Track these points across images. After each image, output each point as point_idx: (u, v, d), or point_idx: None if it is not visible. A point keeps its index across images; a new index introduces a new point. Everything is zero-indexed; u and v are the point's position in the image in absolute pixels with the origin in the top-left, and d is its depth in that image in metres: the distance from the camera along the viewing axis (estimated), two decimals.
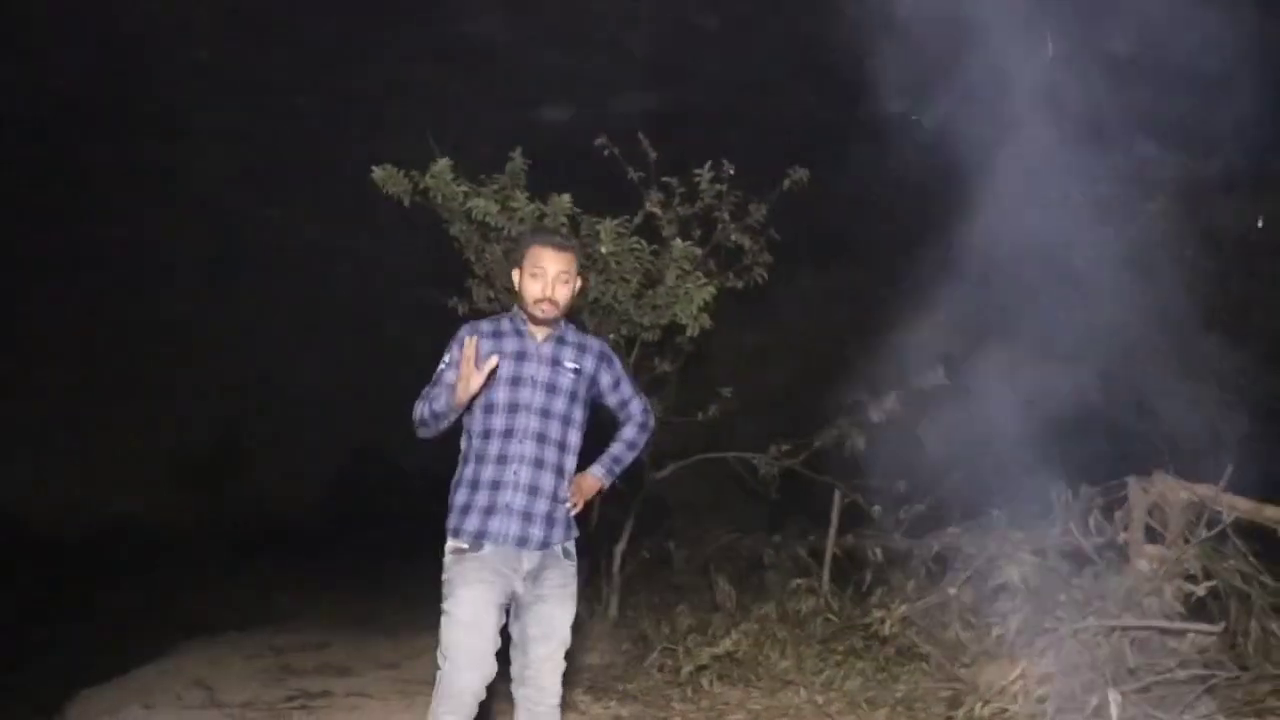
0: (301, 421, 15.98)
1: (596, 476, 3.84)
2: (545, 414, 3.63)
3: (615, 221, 6.67)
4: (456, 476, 3.72)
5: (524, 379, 3.64)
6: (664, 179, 6.85)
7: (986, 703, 4.60)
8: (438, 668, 3.49)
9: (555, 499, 3.61)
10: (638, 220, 6.81)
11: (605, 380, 3.82)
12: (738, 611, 7.08)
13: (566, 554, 3.66)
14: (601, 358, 3.82)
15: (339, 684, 6.72)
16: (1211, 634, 4.81)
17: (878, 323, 8.32)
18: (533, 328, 3.70)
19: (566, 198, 6.66)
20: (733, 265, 7.20)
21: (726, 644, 6.21)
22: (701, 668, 6.01)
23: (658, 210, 6.83)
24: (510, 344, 3.67)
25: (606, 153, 6.90)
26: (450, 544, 3.59)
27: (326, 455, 16.24)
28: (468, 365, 3.43)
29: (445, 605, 3.49)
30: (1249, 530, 5.31)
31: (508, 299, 7.12)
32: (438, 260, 7.67)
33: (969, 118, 5.80)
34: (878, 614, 5.95)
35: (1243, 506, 5.30)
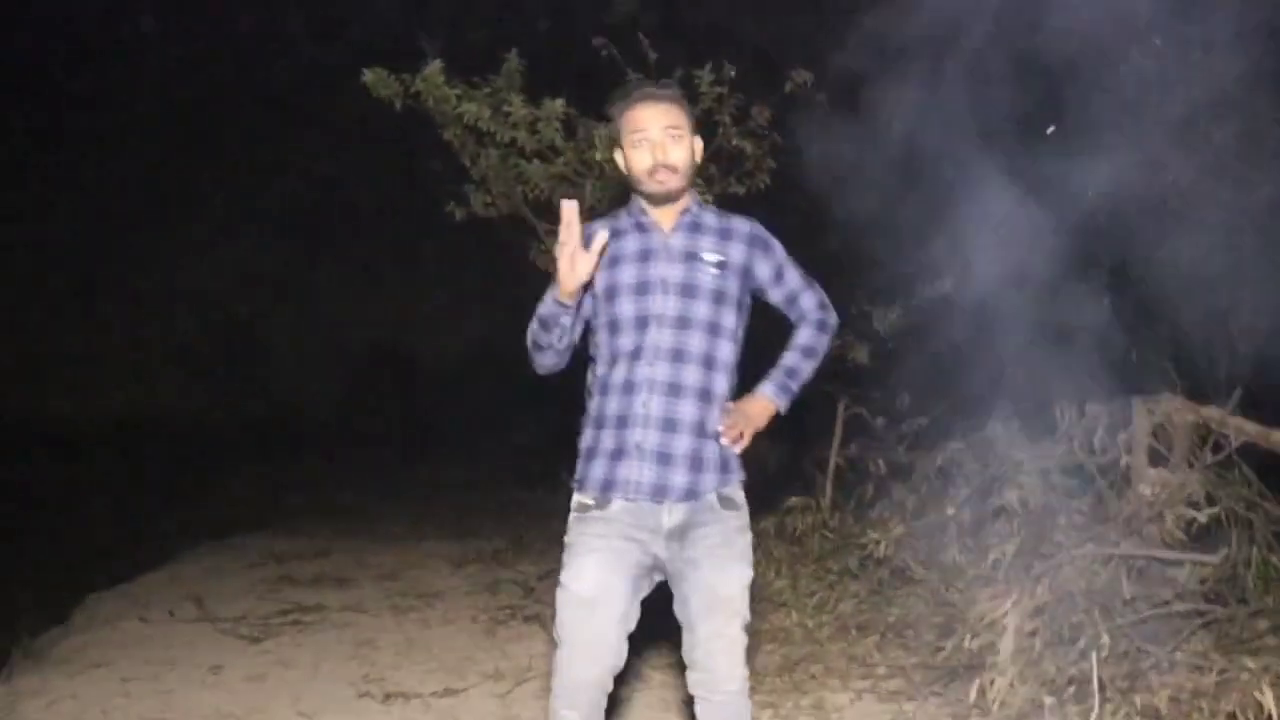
0: (319, 319, 15.91)
1: (768, 398, 3.01)
2: (682, 324, 2.87)
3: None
4: (582, 417, 3.04)
5: (652, 283, 2.90)
6: (663, 80, 6.57)
7: (976, 636, 4.49)
8: (555, 645, 2.91)
9: (702, 433, 2.87)
10: None
11: (763, 271, 3.02)
12: None
13: (725, 502, 2.89)
14: (753, 242, 3.01)
15: (335, 597, 6.73)
16: (1211, 564, 4.67)
17: (883, 231, 8.09)
18: (656, 216, 2.96)
19: (560, 102, 6.43)
20: (734, 171, 6.96)
21: None
22: None
23: None
24: (631, 243, 2.96)
25: (605, 53, 6.63)
26: (575, 499, 2.92)
27: (343, 354, 16.18)
28: (569, 239, 2.75)
29: (561, 576, 2.87)
30: (1256, 455, 5.14)
31: (505, 204, 6.95)
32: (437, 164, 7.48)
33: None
34: (874, 535, 5.85)
35: (1250, 430, 5.12)
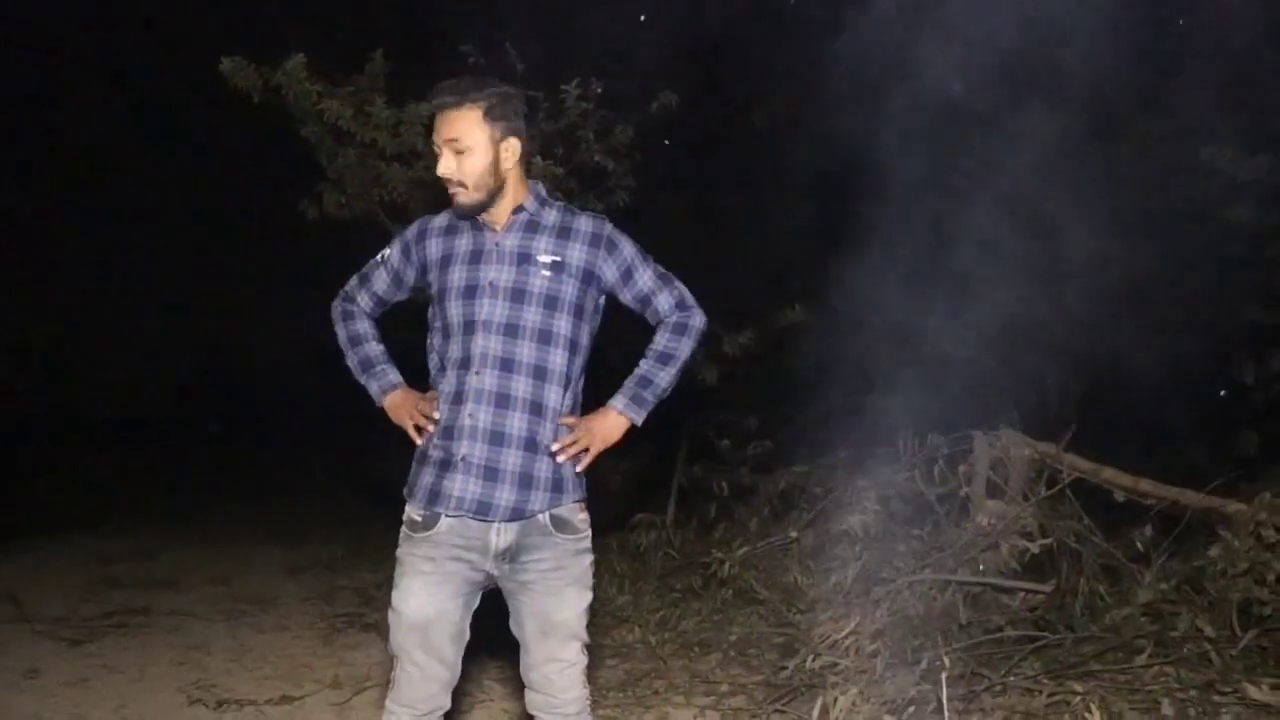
0: (155, 315, 15.20)
1: (618, 411, 2.81)
2: (512, 331, 2.70)
3: None
4: None
5: (480, 286, 2.73)
6: (529, 93, 6.50)
7: (818, 656, 4.55)
8: (394, 656, 2.79)
9: (532, 449, 2.70)
10: None
11: (609, 272, 2.81)
12: None
13: (559, 524, 2.72)
14: (595, 241, 2.80)
15: (163, 599, 6.43)
16: (1042, 592, 4.84)
17: (742, 252, 8.21)
18: (490, 216, 2.78)
19: (424, 106, 6.30)
20: (595, 187, 6.94)
21: None
22: None
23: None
24: (464, 241, 2.80)
25: (472, 60, 6.54)
26: (405, 511, 2.79)
27: (179, 352, 15.49)
28: (409, 416, 2.82)
29: (392, 596, 2.75)
30: (1086, 490, 5.36)
31: (359, 205, 6.77)
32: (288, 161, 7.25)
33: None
34: (718, 555, 5.88)
35: (1083, 466, 5.36)
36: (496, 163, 2.71)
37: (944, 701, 3.96)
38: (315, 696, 4.64)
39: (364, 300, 3.03)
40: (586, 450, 2.77)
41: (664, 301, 2.87)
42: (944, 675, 4.08)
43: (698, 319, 2.90)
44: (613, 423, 2.81)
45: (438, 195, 6.60)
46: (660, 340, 2.88)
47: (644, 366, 2.87)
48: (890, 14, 5.57)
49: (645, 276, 2.86)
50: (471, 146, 2.67)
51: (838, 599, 5.30)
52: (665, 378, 2.86)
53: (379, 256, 2.98)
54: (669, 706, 4.52)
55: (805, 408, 7.40)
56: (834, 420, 7.38)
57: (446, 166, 2.69)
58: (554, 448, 2.72)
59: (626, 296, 2.87)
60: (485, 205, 2.75)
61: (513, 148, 2.74)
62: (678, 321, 2.88)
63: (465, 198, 2.72)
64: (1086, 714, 3.70)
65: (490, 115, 2.69)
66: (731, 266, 8.08)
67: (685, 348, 2.88)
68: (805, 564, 5.79)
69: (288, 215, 7.09)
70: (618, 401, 2.83)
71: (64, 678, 4.84)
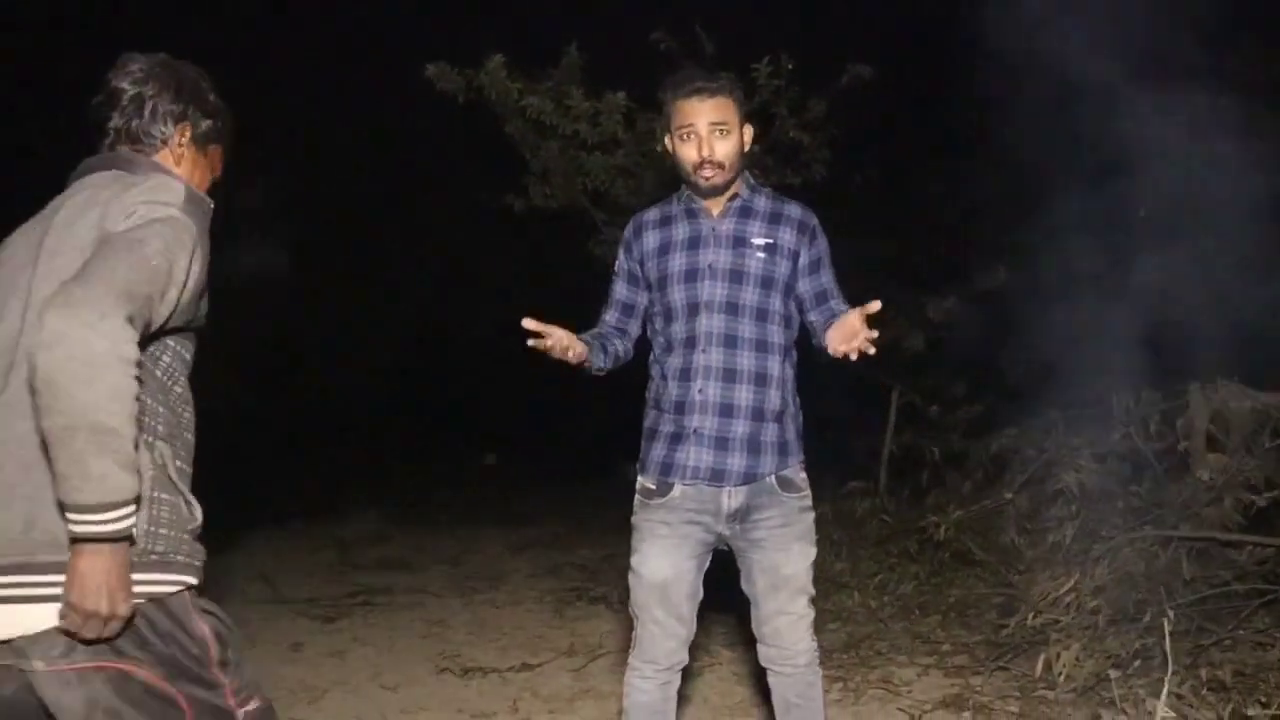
0: (365, 311, 15.90)
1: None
2: (733, 310, 2.91)
3: None
4: (646, 397, 3.12)
5: (701, 270, 2.95)
6: (716, 73, 6.65)
7: (1039, 614, 4.61)
8: (630, 621, 3.04)
9: (759, 417, 2.90)
10: None
11: (804, 258, 2.99)
12: None
13: (785, 484, 2.93)
14: (803, 229, 2.99)
15: (401, 580, 6.92)
16: (1270, 546, 4.76)
17: (941, 220, 8.20)
18: (706, 203, 3.00)
19: (622, 95, 6.56)
20: (791, 162, 7.06)
21: None
22: None
23: None
24: (681, 229, 3.02)
25: (663, 47, 6.74)
26: (638, 482, 3.01)
27: (387, 343, 16.16)
28: (552, 345, 2.83)
29: (631, 560, 2.97)
30: None
31: (564, 195, 7.09)
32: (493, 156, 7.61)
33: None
34: (934, 519, 5.97)
35: None
36: (742, 145, 2.95)
37: (1169, 655, 3.98)
38: (553, 664, 4.98)
39: (611, 316, 3.16)
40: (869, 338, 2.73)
41: (841, 306, 2.97)
42: (1168, 629, 4.11)
43: None
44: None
45: (639, 182, 6.87)
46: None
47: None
48: None
49: (829, 276, 3.03)
50: (731, 129, 2.89)
51: (1057, 558, 5.33)
52: None
53: (615, 269, 3.17)
54: (893, 666, 4.67)
55: (1012, 371, 7.35)
56: (1043, 382, 7.32)
57: (712, 148, 2.88)
58: (775, 413, 2.89)
59: (805, 286, 3.00)
60: (730, 185, 2.97)
61: (750, 133, 2.99)
62: None
63: (721, 178, 2.92)
64: None
65: (739, 102, 2.94)
66: (930, 234, 8.09)
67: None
68: (1022, 525, 5.82)
69: (492, 210, 7.45)
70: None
71: (323, 650, 5.34)
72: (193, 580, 1.98)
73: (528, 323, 2.78)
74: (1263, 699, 3.66)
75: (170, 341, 2.01)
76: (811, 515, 3.00)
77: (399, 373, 15.78)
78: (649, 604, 2.95)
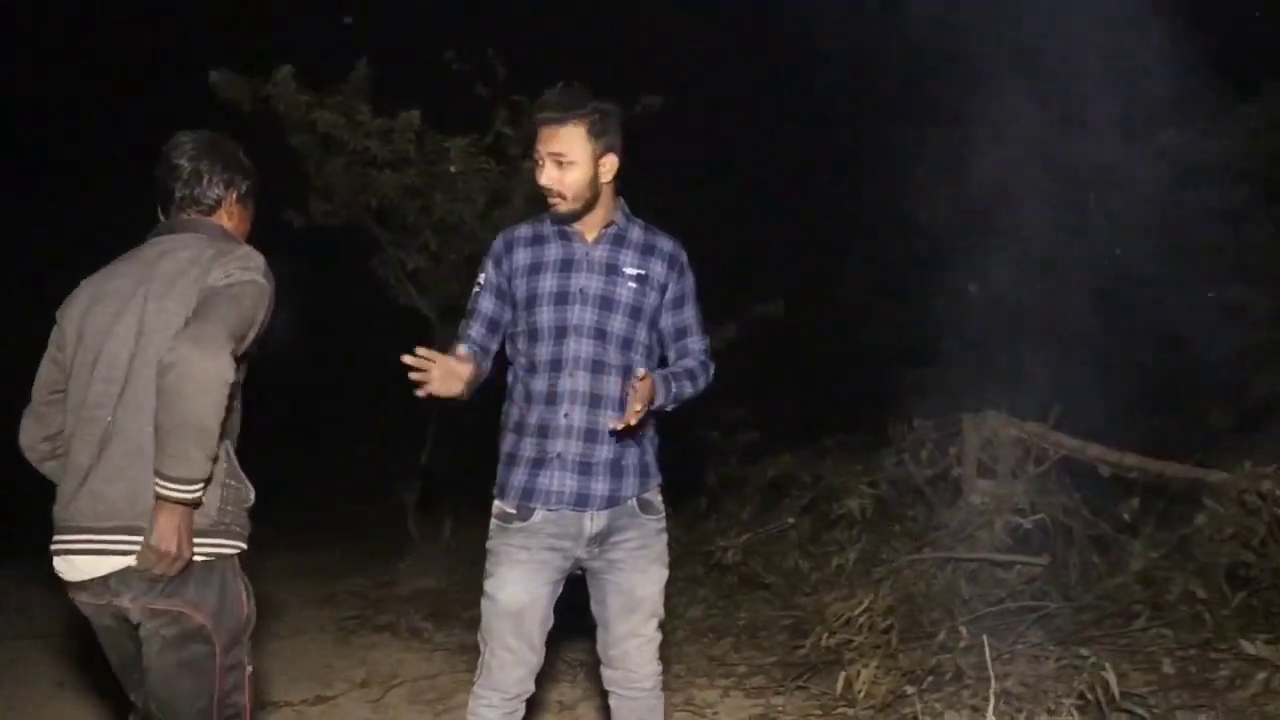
0: None
1: (656, 381, 2.81)
2: (600, 335, 2.88)
3: (465, 140, 6.47)
4: (502, 419, 3.03)
5: (572, 294, 2.89)
6: (513, 97, 6.61)
7: (833, 634, 4.73)
8: (483, 643, 2.93)
9: (621, 441, 2.88)
10: (489, 139, 6.60)
11: (671, 292, 2.98)
12: None
13: (645, 507, 2.94)
14: (673, 263, 2.98)
15: None
16: (1038, 565, 5.07)
17: (726, 247, 8.39)
18: (579, 227, 2.93)
19: (415, 114, 6.41)
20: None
21: None
22: None
23: (507, 130, 6.61)
24: (553, 250, 2.94)
25: (455, 67, 6.64)
26: (495, 506, 2.93)
27: None
28: (431, 375, 2.68)
29: (485, 584, 2.90)
30: (1073, 467, 5.59)
31: (346, 213, 6.84)
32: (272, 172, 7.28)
33: None
34: (721, 542, 6.06)
35: (1068, 444, 5.59)
36: (595, 177, 2.86)
37: (963, 670, 4.18)
38: (348, 695, 4.77)
39: (475, 332, 2.99)
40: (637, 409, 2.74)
41: (697, 343, 3.03)
42: (960, 645, 4.32)
43: (711, 372, 3.06)
44: (650, 388, 2.77)
45: (428, 201, 6.69)
46: (688, 364, 3.00)
47: (681, 366, 2.99)
48: None
49: (692, 312, 3.03)
50: (574, 161, 2.81)
51: (840, 580, 5.52)
52: (689, 390, 2.95)
53: (476, 285, 3.03)
54: (694, 689, 4.69)
55: (789, 398, 7.59)
56: (818, 409, 7.60)
57: (549, 177, 2.82)
58: (619, 422, 2.75)
59: (668, 320, 3.01)
60: (579, 215, 2.90)
61: (610, 164, 2.89)
62: (703, 362, 3.03)
63: (564, 207, 2.86)
64: (1103, 673, 3.87)
65: (593, 132, 2.83)
66: (709, 262, 8.25)
67: (701, 383, 3.01)
68: (805, 549, 6.00)
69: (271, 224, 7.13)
70: (656, 376, 2.84)
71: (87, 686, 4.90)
72: (244, 546, 2.58)
73: (415, 356, 2.65)
74: (1051, 707, 3.86)
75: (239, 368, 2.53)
76: (666, 537, 3.01)
77: None
78: (501, 630, 2.87)
